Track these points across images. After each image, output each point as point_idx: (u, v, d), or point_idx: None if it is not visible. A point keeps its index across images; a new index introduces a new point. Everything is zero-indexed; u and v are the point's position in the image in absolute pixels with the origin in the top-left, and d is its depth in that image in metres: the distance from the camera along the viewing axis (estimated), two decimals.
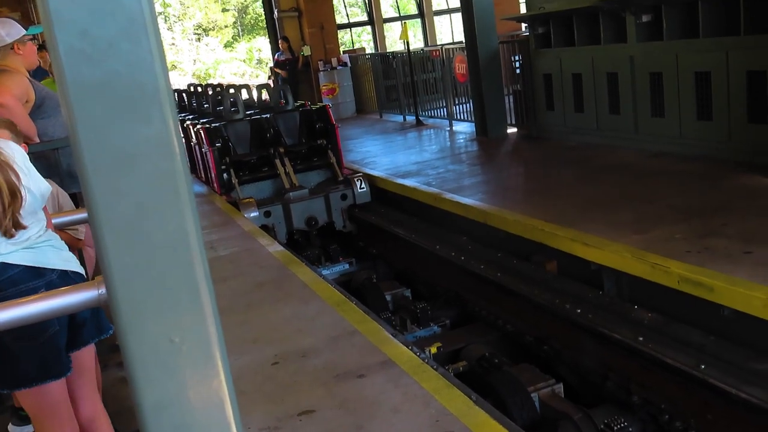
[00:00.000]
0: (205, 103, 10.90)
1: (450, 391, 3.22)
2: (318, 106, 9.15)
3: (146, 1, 0.57)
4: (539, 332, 5.06)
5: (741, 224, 4.72)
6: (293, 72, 16.28)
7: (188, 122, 9.51)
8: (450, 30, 19.67)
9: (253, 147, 8.70)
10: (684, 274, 4.10)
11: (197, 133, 8.59)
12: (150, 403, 0.64)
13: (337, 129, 8.69)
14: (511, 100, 9.81)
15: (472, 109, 10.25)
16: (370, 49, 19.00)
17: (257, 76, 28.30)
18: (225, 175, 8.21)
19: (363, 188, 8.09)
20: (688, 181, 6.00)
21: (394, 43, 19.80)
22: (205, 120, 9.26)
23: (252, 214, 7.38)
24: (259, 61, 30.16)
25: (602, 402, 4.35)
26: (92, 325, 2.47)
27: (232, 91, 10.51)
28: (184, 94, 12.69)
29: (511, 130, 9.78)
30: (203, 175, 8.99)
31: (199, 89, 12.43)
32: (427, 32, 19.20)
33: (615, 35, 7.61)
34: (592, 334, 4.47)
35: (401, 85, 13.28)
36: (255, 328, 4.26)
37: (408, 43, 12.67)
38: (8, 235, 2.22)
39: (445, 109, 11.68)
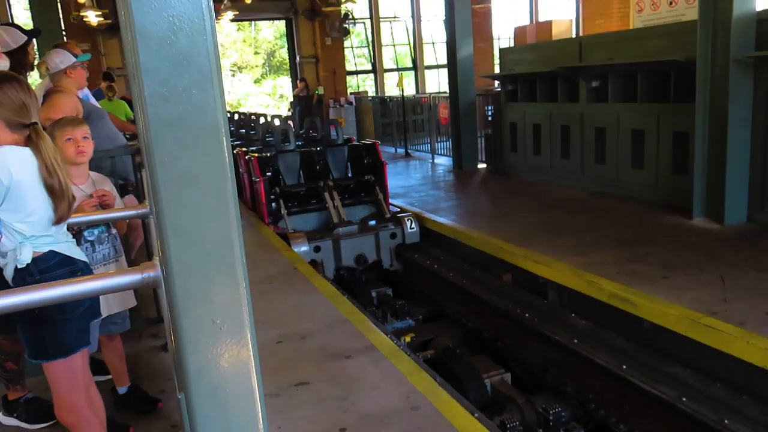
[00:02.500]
0: (251, 130, 9.69)
1: (419, 373, 3.23)
2: (367, 143, 7.75)
3: (213, 59, 0.60)
4: (494, 330, 5.07)
5: (661, 254, 4.76)
6: (308, 107, 16.33)
7: (237, 149, 8.07)
8: (437, 81, 19.80)
9: (302, 178, 7.38)
10: (613, 291, 4.13)
11: (248, 161, 7.28)
12: (194, 369, 0.66)
13: (386, 166, 7.29)
14: (483, 141, 9.87)
15: (451, 146, 10.30)
16: (371, 92, 19.09)
17: (278, 108, 28.33)
18: (273, 205, 6.91)
19: (413, 228, 6.71)
20: (621, 216, 6.05)
21: (391, 88, 19.89)
22: (254, 148, 8.03)
23: (302, 248, 6.19)
24: (281, 96, 30.22)
25: (542, 390, 4.36)
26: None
27: (278, 122, 9.44)
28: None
29: (482, 165, 9.83)
30: (251, 203, 7.64)
31: (239, 116, 11.43)
32: (419, 82, 19.36)
33: (569, 95, 7.70)
34: (537, 335, 4.48)
35: (395, 123, 13.32)
36: (264, 312, 4.25)
37: (402, 90, 12.77)
38: (60, 221, 2.22)
39: (429, 144, 11.73)
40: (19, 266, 2.14)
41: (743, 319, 3.48)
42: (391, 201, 7.60)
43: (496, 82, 10.02)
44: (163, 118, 0.59)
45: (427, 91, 17.52)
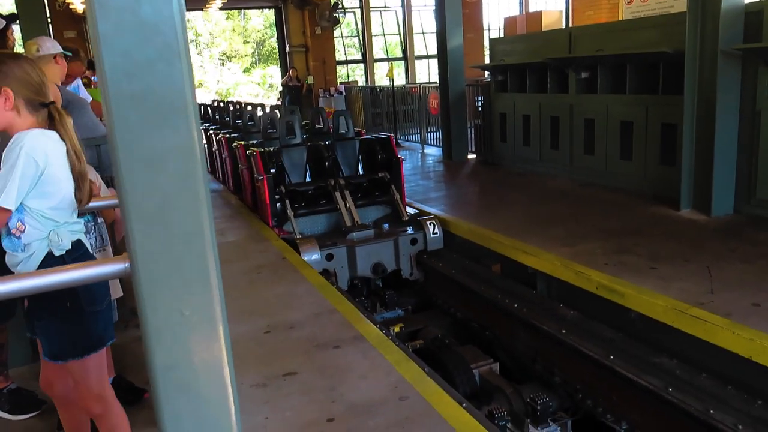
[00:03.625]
0: (249, 121, 8.80)
1: (408, 363, 3.21)
2: (381, 136, 6.85)
3: (180, 30, 0.54)
4: (483, 320, 5.07)
5: (649, 245, 4.77)
6: (298, 96, 16.22)
7: (237, 143, 7.28)
8: (427, 72, 19.73)
9: (309, 176, 6.55)
10: (601, 281, 4.13)
11: (250, 156, 6.40)
12: (160, 364, 0.61)
13: (402, 163, 6.48)
14: (473, 132, 9.85)
15: (440, 136, 10.27)
16: (361, 82, 19.00)
17: (268, 97, 28.16)
18: (278, 206, 6.13)
19: (436, 233, 5.92)
20: (610, 207, 6.06)
21: (381, 78, 19.81)
22: (255, 142, 7.23)
23: (313, 257, 5.43)
24: (271, 86, 30.02)
25: (530, 380, 4.37)
26: None
27: (277, 113, 8.21)
28: (213, 108, 11.29)
29: (471, 156, 9.81)
30: (252, 203, 6.83)
31: (234, 106, 10.59)
32: (409, 72, 19.29)
33: (559, 86, 7.68)
34: (525, 325, 4.48)
35: (385, 113, 13.27)
36: (253, 302, 4.22)
37: (392, 79, 12.70)
38: (81, 205, 2.14)
39: (419, 135, 11.70)
40: (57, 253, 2.05)
41: (729, 310, 3.49)
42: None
43: (486, 73, 9.99)
44: (125, 93, 0.54)
45: (417, 81, 17.45)
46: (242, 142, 7.11)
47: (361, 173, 6.68)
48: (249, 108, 9.61)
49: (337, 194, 6.12)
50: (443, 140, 9.99)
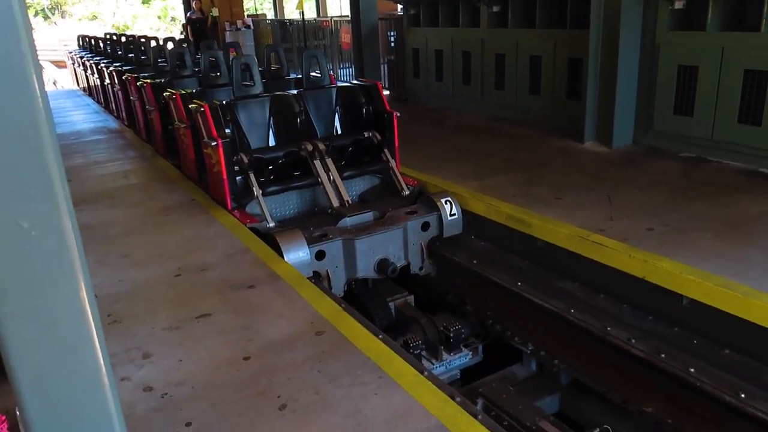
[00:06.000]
0: (177, 61, 6.91)
1: (323, 299, 3.22)
2: (365, 83, 5.33)
3: None
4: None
5: (555, 177, 4.96)
6: (203, 30, 15.34)
7: (168, 92, 5.46)
8: (339, 4, 19.15)
9: (274, 137, 4.97)
10: (510, 212, 4.27)
11: (195, 112, 4.71)
12: None
13: (396, 118, 4.96)
14: (386, 67, 9.73)
15: (353, 72, 10.09)
16: (270, 15, 18.20)
17: (171, 31, 26.49)
18: (238, 179, 4.56)
19: (454, 215, 4.53)
20: (519, 141, 6.22)
21: (291, 12, 19.06)
22: (194, 91, 5.46)
23: (300, 255, 3.92)
24: (173, 19, 28.19)
25: (443, 310, 4.51)
26: None
27: (219, 52, 6.29)
28: (121, 45, 9.73)
29: (385, 92, 9.70)
30: (194, 172, 5.23)
31: (148, 41, 8.95)
32: (320, 5, 18.65)
33: (471, 21, 7.67)
34: (438, 258, 4.58)
35: (296, 48, 12.84)
36: (161, 245, 4.06)
37: (303, 13, 12.22)
38: None
39: (331, 71, 11.44)
40: None
41: (626, 235, 3.71)
42: None
43: (399, 6, 9.79)
44: None
45: (328, 15, 16.92)
46: (178, 92, 5.33)
47: (339, 133, 5.23)
48: (170, 45, 8.09)
49: (317, 162, 4.61)
50: (356, 76, 9.81)
